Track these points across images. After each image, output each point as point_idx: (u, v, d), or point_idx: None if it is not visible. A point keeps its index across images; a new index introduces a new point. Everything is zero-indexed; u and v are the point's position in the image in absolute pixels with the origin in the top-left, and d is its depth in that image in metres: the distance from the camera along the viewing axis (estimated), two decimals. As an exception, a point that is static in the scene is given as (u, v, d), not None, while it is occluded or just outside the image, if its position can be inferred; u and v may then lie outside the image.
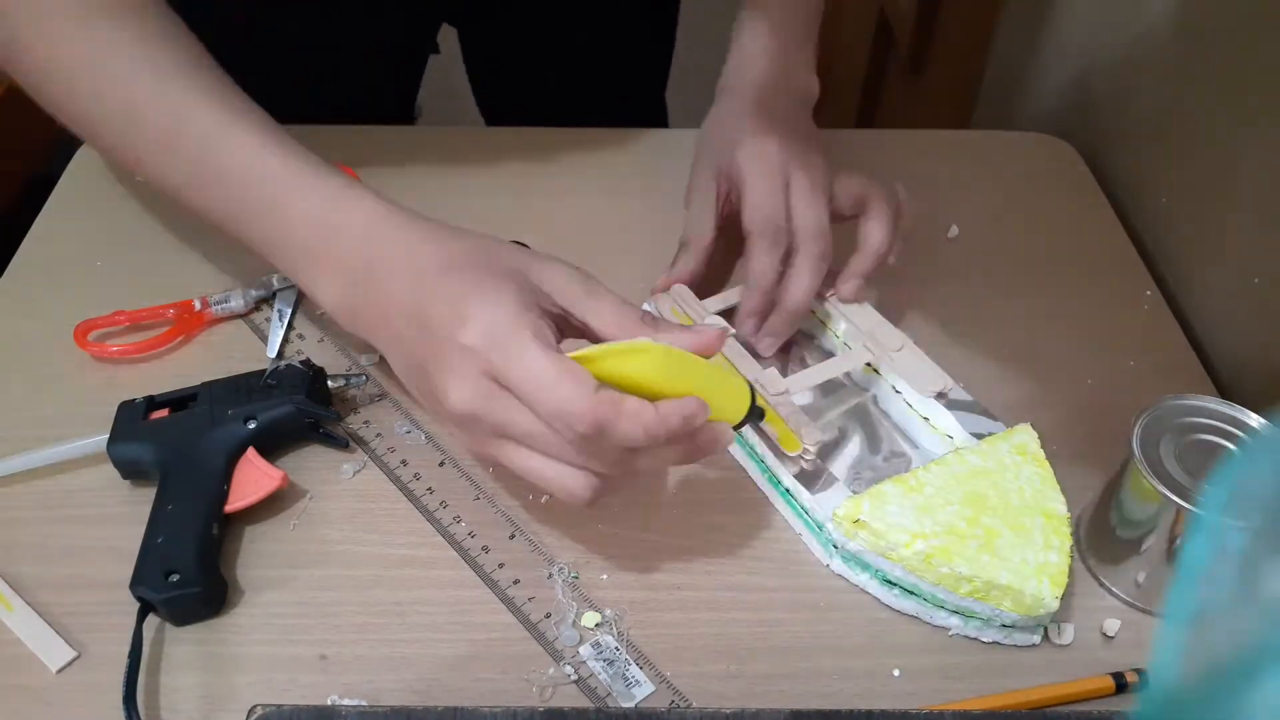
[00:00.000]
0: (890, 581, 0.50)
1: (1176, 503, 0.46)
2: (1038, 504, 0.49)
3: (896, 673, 0.48)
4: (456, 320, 0.44)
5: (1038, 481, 0.50)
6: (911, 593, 0.49)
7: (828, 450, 0.55)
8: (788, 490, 0.53)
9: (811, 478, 0.52)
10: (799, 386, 0.56)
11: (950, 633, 0.49)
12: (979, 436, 0.53)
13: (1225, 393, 0.62)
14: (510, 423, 0.44)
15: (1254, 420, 0.49)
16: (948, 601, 0.48)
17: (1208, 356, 0.64)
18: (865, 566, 0.50)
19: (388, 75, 0.87)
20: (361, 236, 0.49)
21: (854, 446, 0.56)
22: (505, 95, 0.96)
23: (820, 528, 0.51)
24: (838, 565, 0.51)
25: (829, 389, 0.58)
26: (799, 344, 0.62)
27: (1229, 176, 0.65)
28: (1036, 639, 0.49)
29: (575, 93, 0.91)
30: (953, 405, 0.55)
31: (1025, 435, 0.53)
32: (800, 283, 0.58)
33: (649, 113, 0.98)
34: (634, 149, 0.78)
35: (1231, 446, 0.49)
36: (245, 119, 0.52)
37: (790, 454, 0.52)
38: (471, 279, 0.45)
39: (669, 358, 0.44)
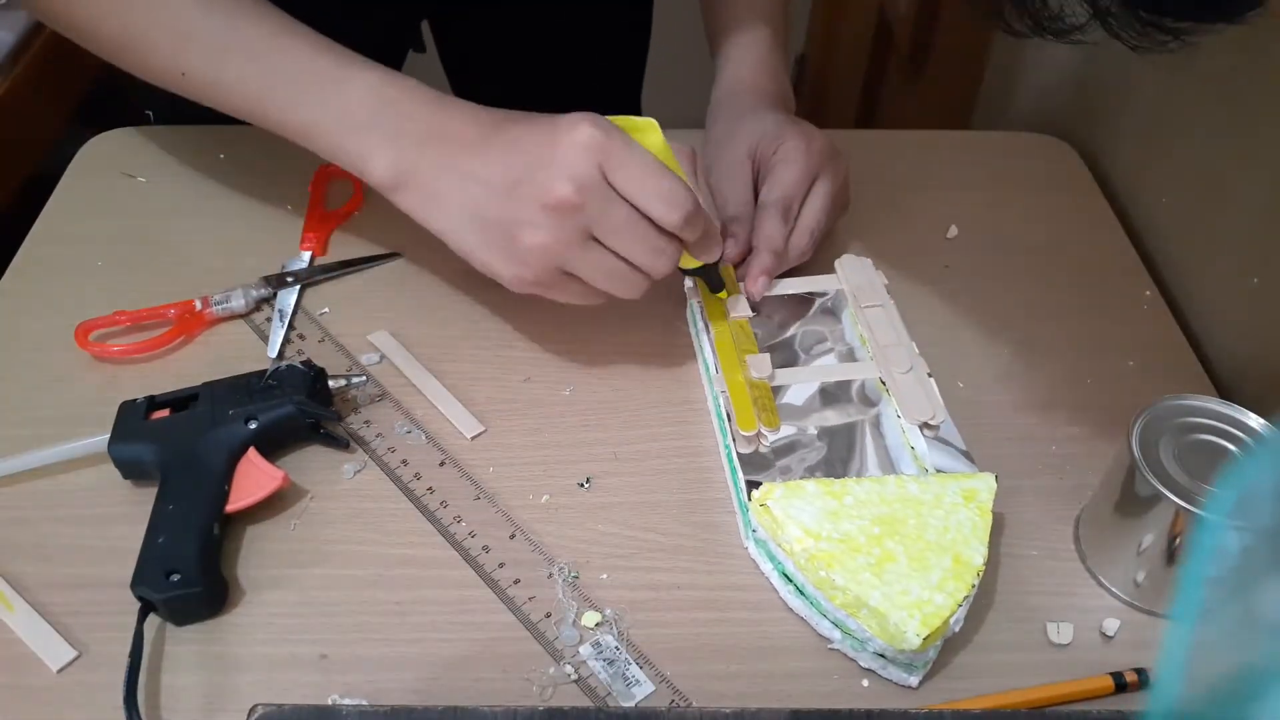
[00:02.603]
0: (788, 576, 0.50)
1: (1175, 503, 0.46)
2: (954, 546, 0.48)
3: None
4: (566, 126, 0.51)
5: (968, 528, 0.48)
6: (802, 593, 0.49)
7: (790, 451, 0.54)
8: (734, 467, 0.54)
9: (760, 464, 0.53)
10: (786, 379, 0.57)
11: (830, 645, 0.49)
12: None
13: (1224, 392, 0.62)
14: (609, 213, 0.51)
15: (1253, 420, 0.49)
16: (827, 610, 0.48)
17: (1206, 356, 0.64)
18: (771, 556, 0.51)
19: None
20: (420, 106, 0.55)
21: (815, 456, 0.54)
22: (481, 92, 0.96)
23: (745, 508, 0.52)
24: (751, 549, 0.52)
25: (832, 399, 0.57)
26: (825, 341, 0.61)
27: (1229, 176, 0.65)
28: (913, 681, 0.47)
29: (551, 89, 0.92)
30: (939, 440, 0.54)
31: (981, 483, 0.51)
32: (796, 241, 0.64)
33: (625, 109, 0.98)
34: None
35: (1230, 447, 0.49)
36: (294, 27, 0.57)
37: (745, 433, 0.54)
38: (550, 116, 0.52)
39: (668, 149, 0.54)
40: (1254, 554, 0.26)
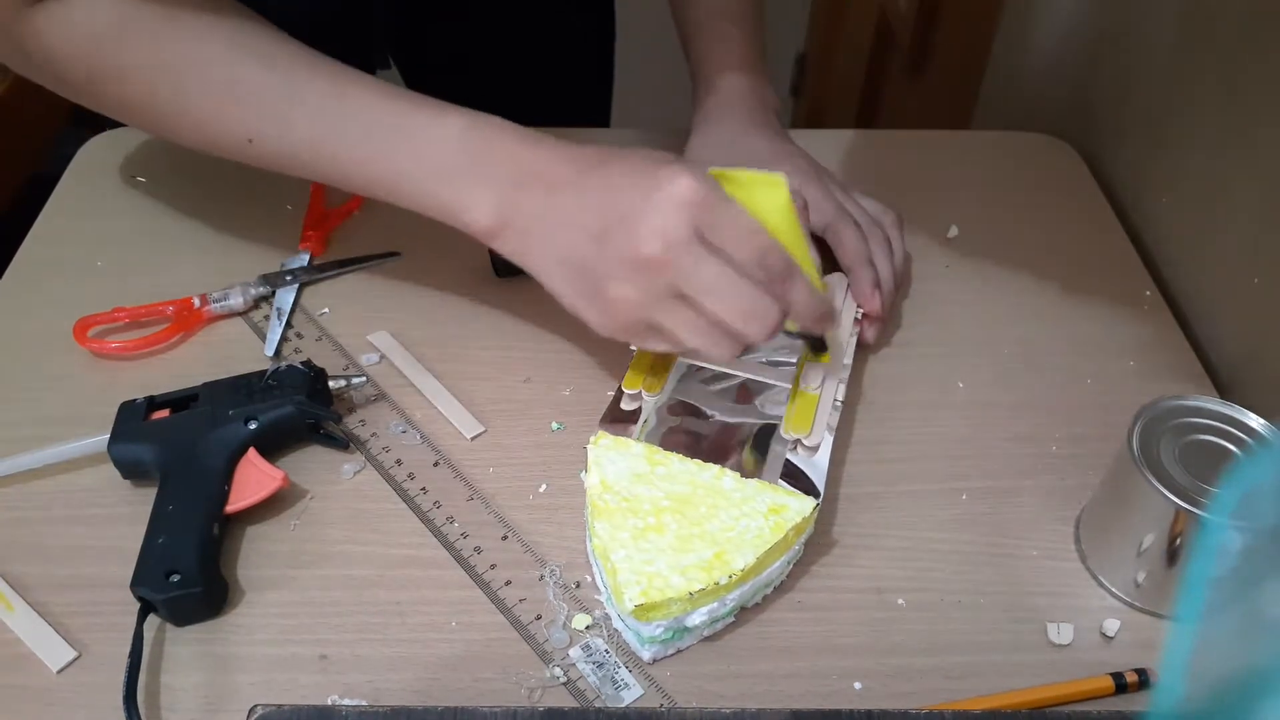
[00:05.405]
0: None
1: (1176, 503, 0.46)
2: (724, 544, 0.47)
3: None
4: (665, 178, 0.47)
5: (750, 535, 0.48)
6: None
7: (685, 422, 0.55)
8: None
9: (630, 420, 0.54)
10: (699, 361, 0.57)
11: (597, 595, 0.50)
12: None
13: (1224, 393, 0.62)
14: (699, 272, 0.47)
15: (1254, 421, 0.49)
16: (592, 556, 0.50)
17: (1207, 356, 0.64)
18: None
19: None
20: (514, 147, 0.52)
21: (705, 431, 0.54)
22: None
23: None
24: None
25: (748, 395, 0.56)
26: (788, 347, 0.59)
27: (1229, 176, 0.65)
28: (645, 654, 0.47)
29: (518, 100, 0.91)
30: (804, 461, 0.52)
31: (796, 503, 0.49)
32: (882, 262, 0.63)
33: (595, 116, 0.99)
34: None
35: (1231, 447, 0.49)
36: (357, 77, 0.54)
37: (628, 390, 0.55)
38: (652, 158, 0.49)
39: (791, 210, 0.50)
40: (1257, 554, 0.26)
